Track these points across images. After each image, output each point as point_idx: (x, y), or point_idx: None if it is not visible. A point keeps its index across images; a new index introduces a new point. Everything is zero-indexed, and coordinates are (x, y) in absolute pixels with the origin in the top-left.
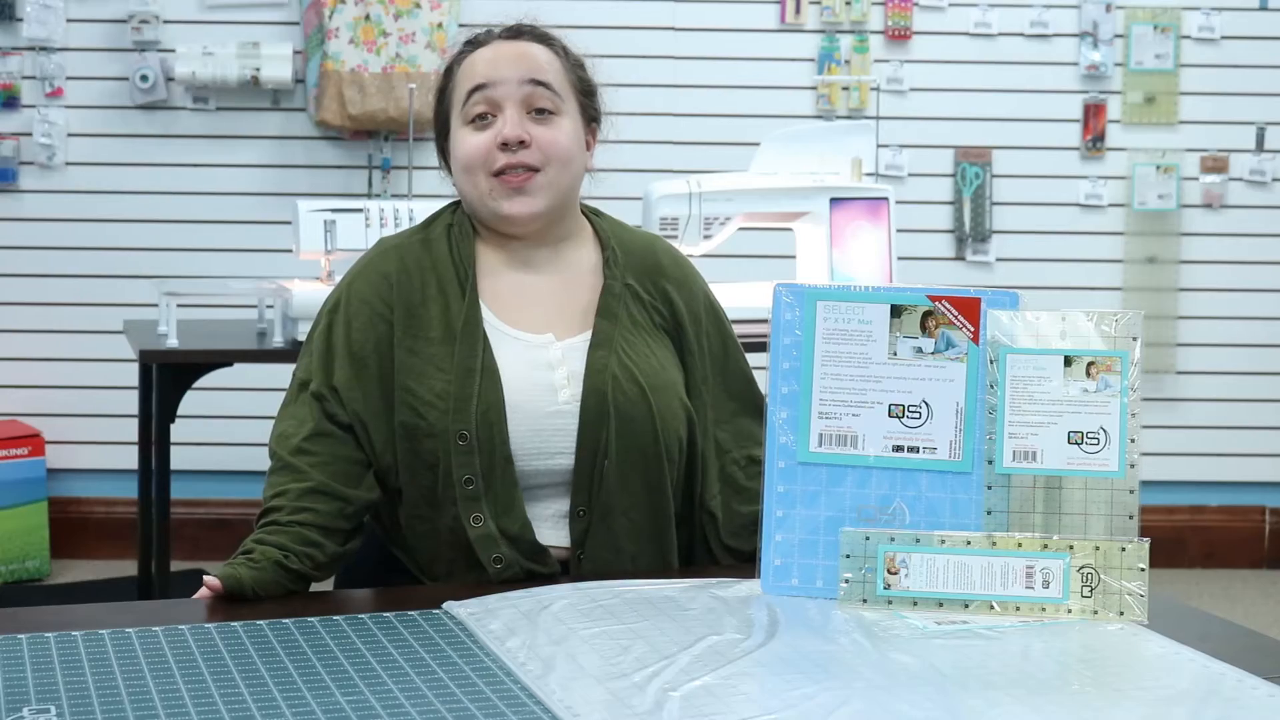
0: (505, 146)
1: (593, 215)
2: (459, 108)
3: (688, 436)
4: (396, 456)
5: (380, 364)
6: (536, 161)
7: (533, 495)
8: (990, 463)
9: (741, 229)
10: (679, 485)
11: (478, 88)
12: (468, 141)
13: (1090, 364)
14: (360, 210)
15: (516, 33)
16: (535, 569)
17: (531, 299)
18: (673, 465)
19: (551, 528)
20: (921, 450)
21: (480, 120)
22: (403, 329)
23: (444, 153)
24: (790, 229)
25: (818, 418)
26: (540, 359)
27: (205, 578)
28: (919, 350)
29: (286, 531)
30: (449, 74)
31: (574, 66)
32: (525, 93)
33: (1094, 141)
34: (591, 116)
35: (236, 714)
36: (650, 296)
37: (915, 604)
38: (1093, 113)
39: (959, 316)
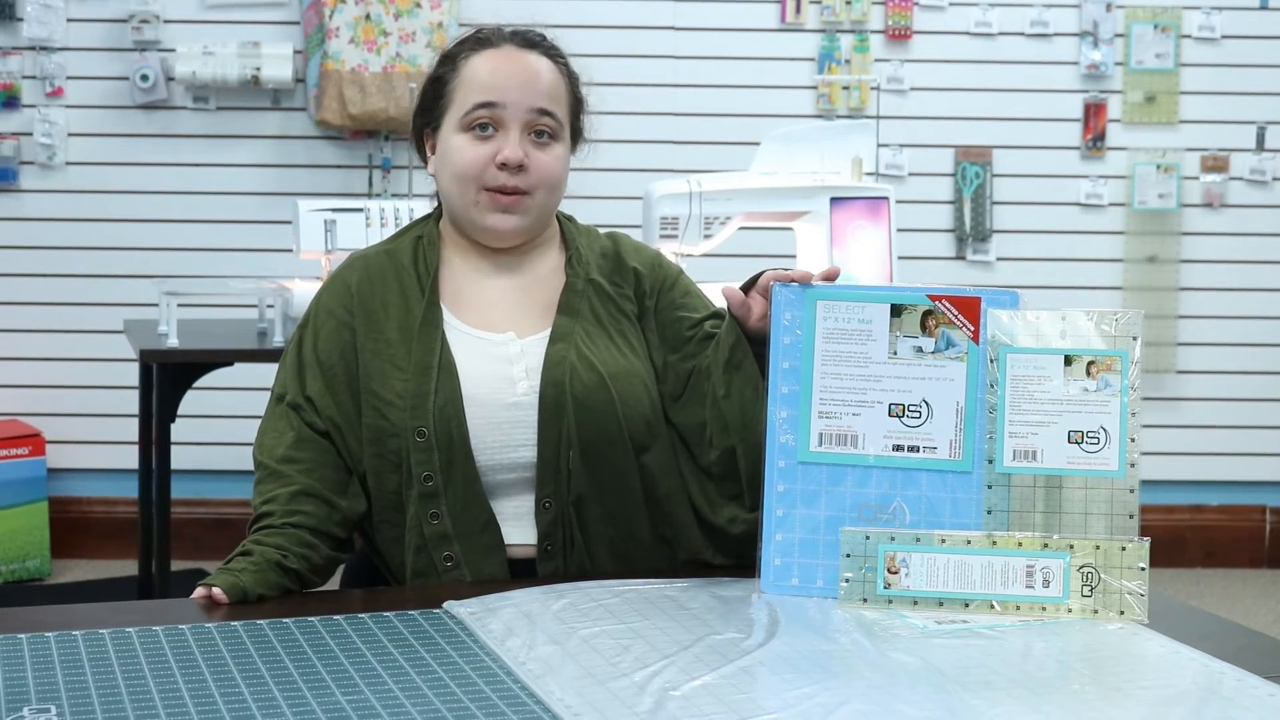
0: (504, 167)
1: (565, 220)
2: (459, 111)
3: (657, 425)
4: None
5: (347, 371)
6: (529, 185)
7: (498, 491)
8: (990, 462)
9: (742, 229)
10: (673, 474)
11: (485, 104)
12: (465, 151)
13: (1090, 363)
14: (360, 210)
15: (528, 42)
16: (490, 573)
17: (493, 301)
18: (639, 451)
19: (518, 523)
20: (922, 450)
21: (480, 131)
22: (364, 333)
23: (420, 136)
24: (790, 229)
25: (818, 417)
26: (499, 354)
27: (213, 591)
28: (919, 350)
29: (282, 533)
30: (452, 65)
31: (573, 85)
32: (530, 118)
33: (1094, 141)
34: (578, 132)
35: (237, 714)
36: (617, 286)
37: (915, 603)
38: (1093, 112)
39: (959, 316)
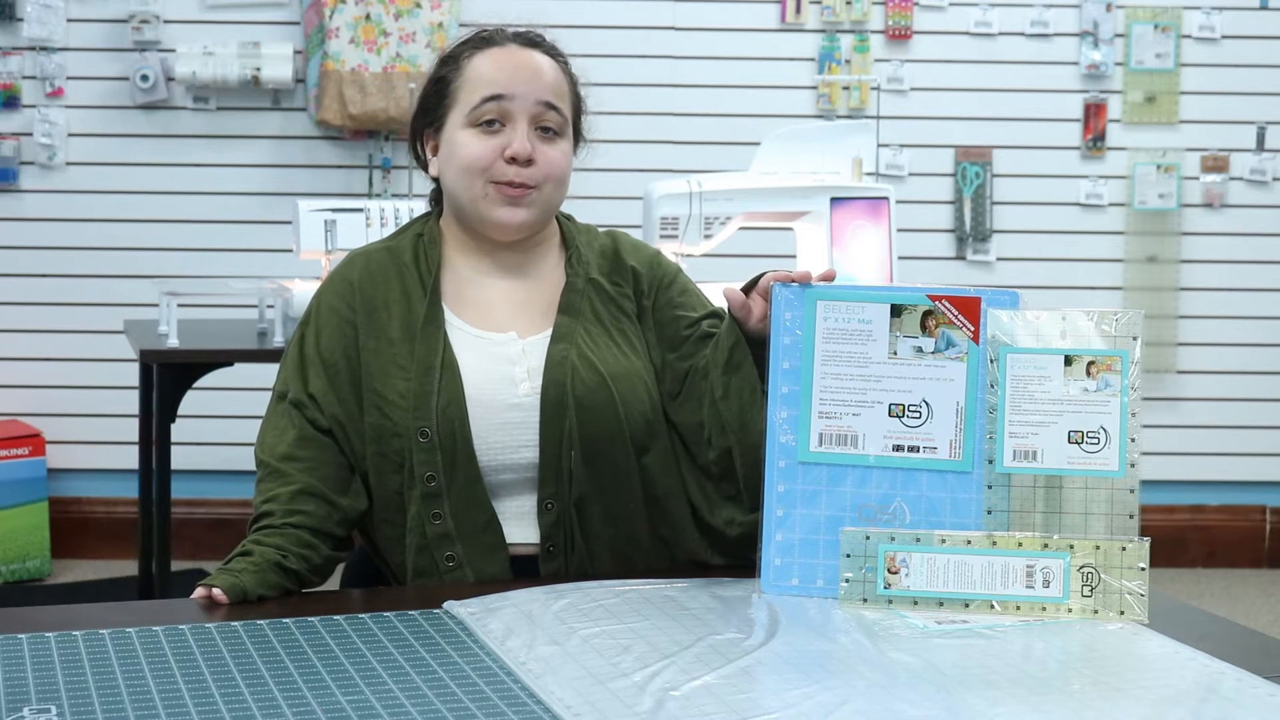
0: (513, 161)
1: (564, 219)
2: (466, 107)
3: (658, 425)
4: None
5: (350, 368)
6: (537, 179)
7: (500, 491)
8: (990, 462)
9: (742, 229)
10: (672, 474)
11: (494, 97)
12: (472, 145)
13: (1090, 363)
14: (360, 210)
15: (530, 41)
16: (492, 573)
17: (495, 301)
18: (640, 452)
19: (520, 523)
20: (922, 450)
21: (488, 126)
22: (366, 331)
23: (419, 137)
24: (791, 229)
25: (818, 417)
26: (501, 354)
27: (213, 592)
28: (919, 350)
29: (282, 534)
30: (455, 65)
31: (574, 85)
32: (537, 111)
33: (1094, 141)
34: (578, 133)
35: (237, 714)
36: (616, 284)
37: (916, 603)
38: (1093, 112)
39: (959, 316)
